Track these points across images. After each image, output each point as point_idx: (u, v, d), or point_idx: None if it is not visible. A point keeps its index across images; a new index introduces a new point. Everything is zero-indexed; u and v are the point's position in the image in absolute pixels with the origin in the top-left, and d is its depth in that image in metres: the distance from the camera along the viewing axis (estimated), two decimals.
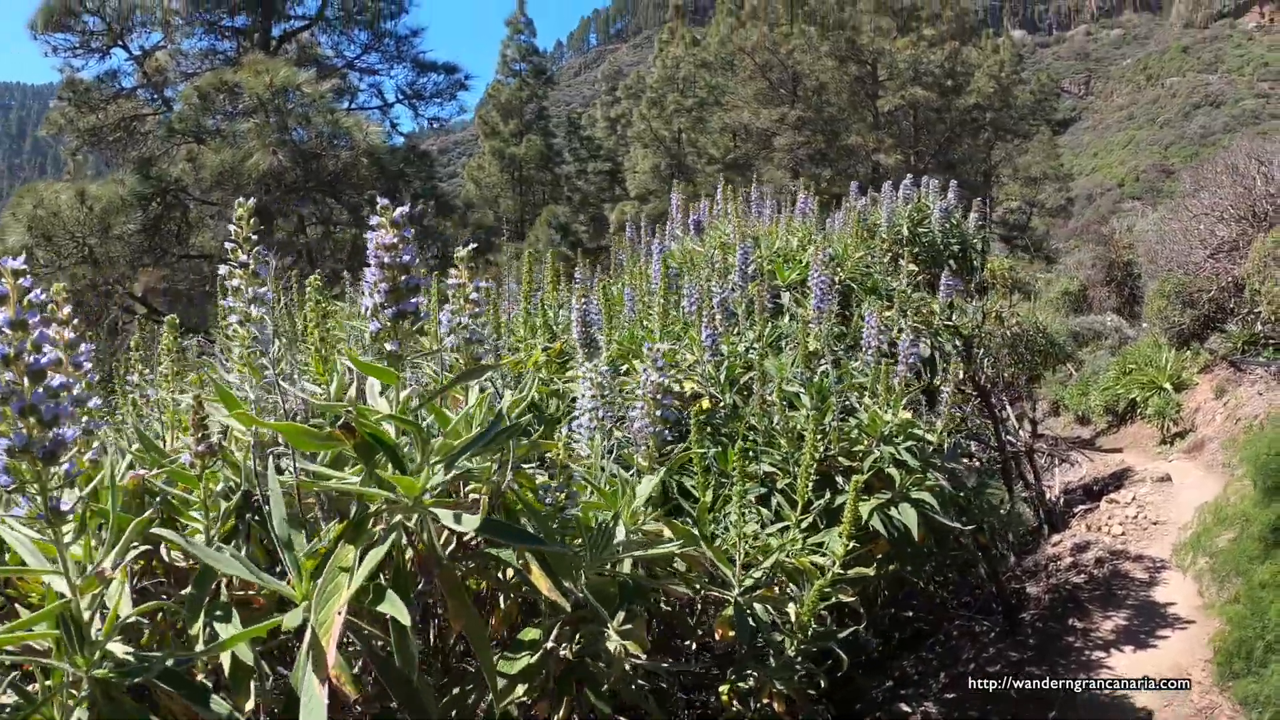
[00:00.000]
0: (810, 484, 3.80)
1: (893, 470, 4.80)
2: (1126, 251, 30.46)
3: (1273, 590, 7.42)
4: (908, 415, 5.14)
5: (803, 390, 5.11)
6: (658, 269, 6.22)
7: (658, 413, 3.44)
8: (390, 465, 2.53)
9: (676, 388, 5.00)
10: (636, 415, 3.48)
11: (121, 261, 21.84)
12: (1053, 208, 48.00)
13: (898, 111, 39.29)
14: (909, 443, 5.00)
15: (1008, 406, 15.74)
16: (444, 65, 28.04)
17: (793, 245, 7.93)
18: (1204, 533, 9.83)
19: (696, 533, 3.49)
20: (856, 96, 39.27)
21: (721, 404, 5.14)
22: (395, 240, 2.45)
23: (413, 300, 2.49)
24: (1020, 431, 15.32)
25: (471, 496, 2.91)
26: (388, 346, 2.50)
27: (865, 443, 4.98)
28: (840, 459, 4.94)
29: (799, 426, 4.80)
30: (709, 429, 4.78)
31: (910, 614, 8.79)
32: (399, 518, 2.52)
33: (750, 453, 4.59)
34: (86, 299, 20.84)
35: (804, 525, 3.94)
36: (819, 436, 4.03)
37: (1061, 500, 14.77)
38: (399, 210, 2.46)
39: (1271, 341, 16.93)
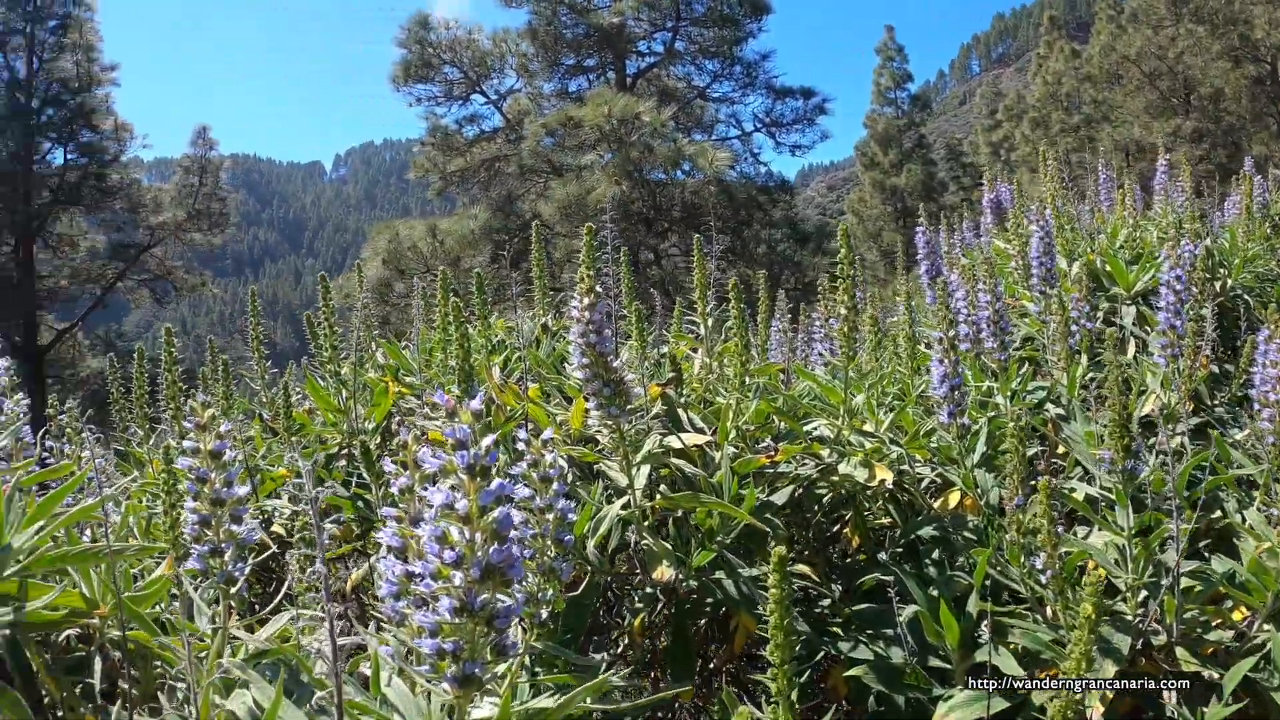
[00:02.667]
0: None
1: None
2: None
3: None
4: None
5: (1117, 484, 2.72)
6: (925, 275, 4.40)
7: None
8: None
9: (850, 470, 3.17)
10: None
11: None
12: None
13: None
14: None
15: None
16: (800, 90, 26.89)
17: (1149, 238, 5.62)
18: None
19: None
20: (1257, 101, 34.77)
21: (975, 498, 3.20)
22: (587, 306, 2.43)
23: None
24: None
25: None
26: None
27: (1240, 614, 2.73)
28: (1179, 651, 2.64)
29: (1090, 576, 2.65)
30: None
31: None
32: None
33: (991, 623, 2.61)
34: None
35: None
36: (1137, 602, 2.59)
37: None
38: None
39: None
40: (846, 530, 3.48)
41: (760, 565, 3.25)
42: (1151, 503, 2.89)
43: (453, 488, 1.45)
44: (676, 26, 26.34)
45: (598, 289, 2.44)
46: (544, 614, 2.22)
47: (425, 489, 1.65)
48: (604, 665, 2.57)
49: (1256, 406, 3.06)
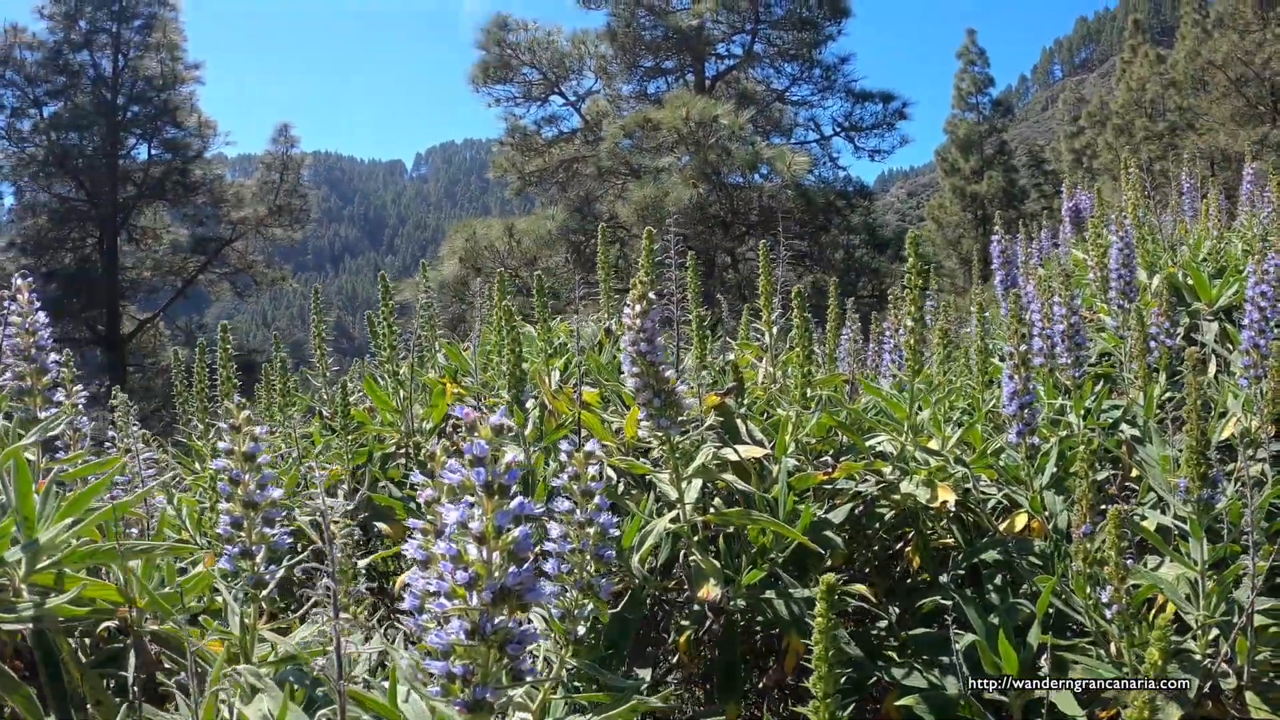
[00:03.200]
0: None
1: None
2: None
3: None
4: None
5: (1191, 514, 2.54)
6: (1000, 285, 4.26)
7: None
8: None
9: (912, 489, 3.02)
10: None
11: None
12: None
13: None
14: None
15: None
16: (879, 94, 26.57)
17: (1234, 250, 5.26)
18: None
19: None
20: None
21: (1043, 522, 3.04)
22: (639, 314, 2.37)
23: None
24: None
25: None
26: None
27: None
28: (1249, 696, 2.44)
29: (1161, 618, 2.37)
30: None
31: None
32: None
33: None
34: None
35: None
36: (1207, 641, 2.43)
37: None
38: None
39: None
40: (908, 550, 3.36)
41: (814, 585, 3.16)
42: (1228, 535, 2.67)
43: (471, 505, 1.38)
44: (755, 29, 26.18)
45: (651, 295, 2.36)
46: (580, 631, 2.14)
47: (444, 505, 1.58)
48: (646, 684, 2.50)
49: None
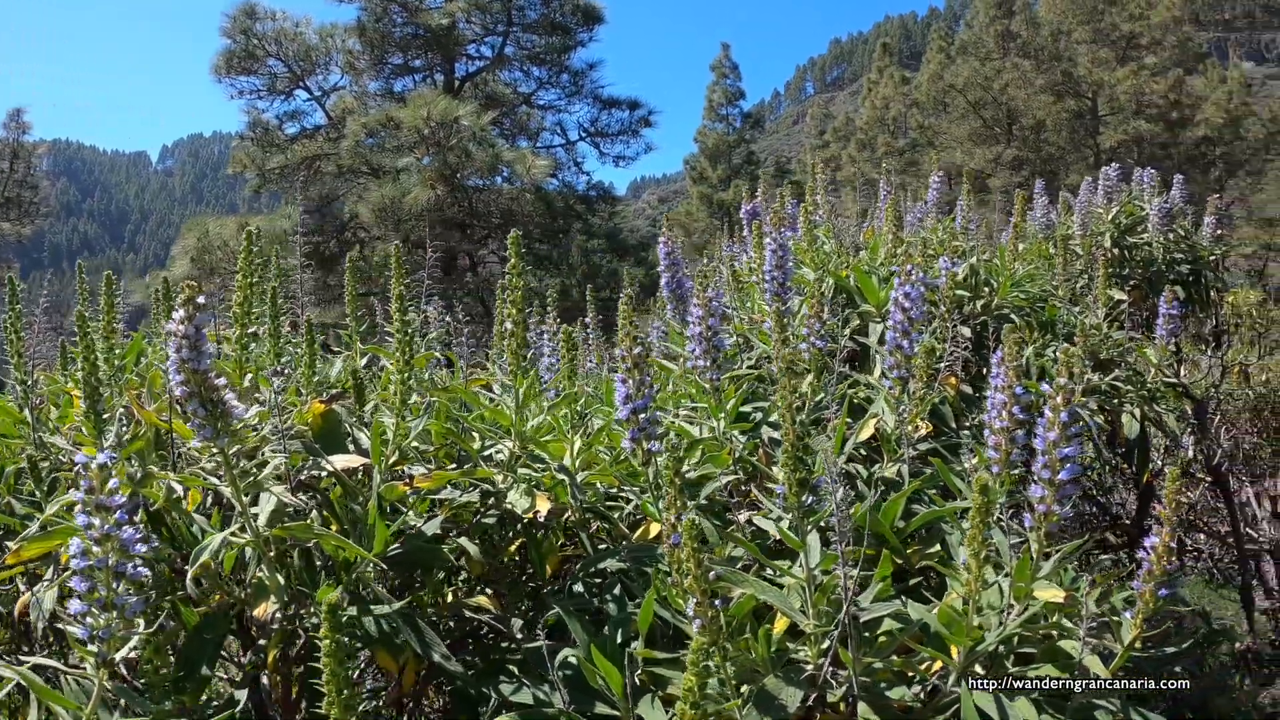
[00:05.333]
0: None
1: None
2: None
3: None
4: (1055, 593, 2.51)
5: (792, 521, 2.51)
6: (665, 288, 4.39)
7: None
8: None
9: (516, 498, 3.07)
10: None
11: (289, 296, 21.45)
12: None
13: (1120, 148, 36.18)
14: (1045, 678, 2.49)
15: (1248, 489, 12.82)
16: (627, 101, 26.83)
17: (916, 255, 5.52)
18: None
19: None
20: (1076, 133, 36.72)
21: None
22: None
23: None
24: (1263, 523, 12.31)
25: None
26: None
27: (938, 666, 2.59)
28: (860, 707, 2.41)
29: (764, 629, 2.49)
30: None
31: None
32: None
33: None
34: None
35: None
36: (819, 650, 2.45)
37: None
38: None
39: None
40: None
41: (427, 597, 3.08)
42: (841, 540, 2.44)
43: None
44: (508, 31, 26.01)
45: (199, 300, 2.22)
46: (118, 655, 2.01)
47: None
48: (220, 705, 2.37)
49: (986, 433, 2.90)
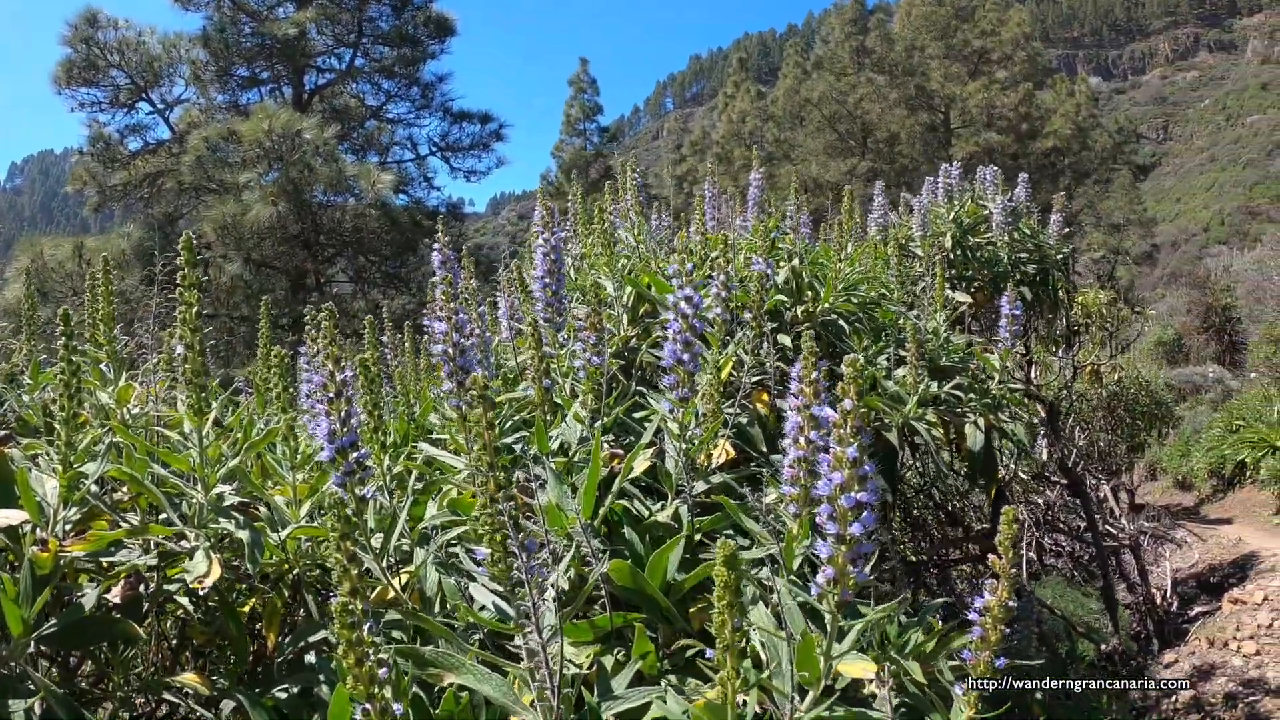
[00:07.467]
0: None
1: None
2: (1224, 295, 28.14)
3: None
4: (866, 667, 2.24)
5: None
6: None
7: None
8: None
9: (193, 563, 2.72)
10: None
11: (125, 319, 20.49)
12: (1138, 255, 45.68)
13: (972, 159, 37.10)
14: None
15: (1105, 486, 13.09)
16: (478, 114, 26.32)
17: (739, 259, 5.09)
18: None
19: None
20: (929, 145, 37.65)
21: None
22: None
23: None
24: (1121, 519, 12.58)
25: None
26: None
27: None
28: None
29: None
30: None
31: None
32: None
33: None
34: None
35: None
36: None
37: (1174, 600, 12.10)
38: None
39: None
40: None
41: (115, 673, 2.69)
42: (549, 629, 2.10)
43: None
44: (359, 42, 25.34)
45: None
46: None
47: None
48: None
49: (783, 462, 2.41)
